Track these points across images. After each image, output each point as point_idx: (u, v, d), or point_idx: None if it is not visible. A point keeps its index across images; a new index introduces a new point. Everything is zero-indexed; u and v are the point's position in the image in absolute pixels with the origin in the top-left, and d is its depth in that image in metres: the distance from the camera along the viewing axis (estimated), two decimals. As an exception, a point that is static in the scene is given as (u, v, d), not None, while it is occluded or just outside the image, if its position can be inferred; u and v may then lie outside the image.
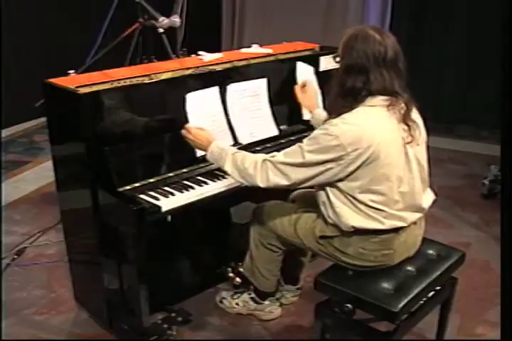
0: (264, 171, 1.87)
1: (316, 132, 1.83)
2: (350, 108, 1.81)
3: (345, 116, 1.81)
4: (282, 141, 2.47)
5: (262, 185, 1.89)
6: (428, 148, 1.99)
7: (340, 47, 1.85)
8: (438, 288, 2.03)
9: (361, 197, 1.84)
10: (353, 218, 1.87)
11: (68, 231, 2.39)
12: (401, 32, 4.57)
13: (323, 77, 2.64)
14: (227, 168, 1.95)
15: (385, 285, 1.90)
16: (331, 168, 1.80)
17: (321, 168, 1.80)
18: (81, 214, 2.18)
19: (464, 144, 4.55)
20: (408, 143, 1.85)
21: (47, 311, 2.49)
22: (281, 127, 2.48)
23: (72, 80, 2.08)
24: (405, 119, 1.84)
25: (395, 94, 1.82)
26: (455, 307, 2.29)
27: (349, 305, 1.89)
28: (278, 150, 2.39)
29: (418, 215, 1.96)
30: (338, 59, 1.87)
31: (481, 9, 4.55)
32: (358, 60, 1.77)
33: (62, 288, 2.64)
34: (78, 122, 1.98)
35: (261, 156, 1.92)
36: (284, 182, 1.86)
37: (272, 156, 1.91)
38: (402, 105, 1.83)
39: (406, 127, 1.84)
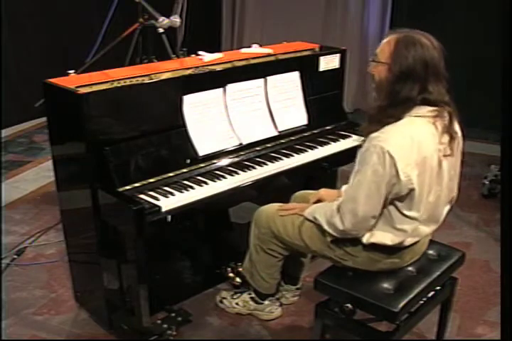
0: (341, 218, 1.83)
1: (362, 153, 1.75)
2: (397, 118, 1.73)
3: (390, 128, 1.73)
4: (282, 141, 2.47)
5: (346, 228, 1.84)
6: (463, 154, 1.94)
7: (388, 52, 1.73)
8: (438, 288, 2.03)
9: (404, 210, 1.79)
10: (381, 236, 1.85)
11: (68, 231, 2.39)
12: (401, 32, 4.56)
13: (322, 77, 2.65)
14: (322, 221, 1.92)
15: (385, 285, 1.90)
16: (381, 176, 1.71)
17: (374, 178, 1.71)
18: (81, 214, 2.18)
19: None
20: (446, 155, 1.80)
21: (47, 311, 2.49)
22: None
23: (72, 80, 2.08)
24: (449, 131, 1.78)
25: (443, 104, 1.75)
26: (455, 307, 2.30)
27: (349, 305, 1.89)
28: (278, 151, 2.41)
29: (433, 227, 1.95)
30: (381, 66, 1.76)
31: (480, 9, 4.55)
32: (415, 67, 1.69)
33: (62, 288, 2.64)
34: (78, 122, 1.97)
35: (337, 205, 1.85)
36: (353, 214, 1.79)
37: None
38: (446, 115, 1.78)
39: (448, 138, 1.79)
